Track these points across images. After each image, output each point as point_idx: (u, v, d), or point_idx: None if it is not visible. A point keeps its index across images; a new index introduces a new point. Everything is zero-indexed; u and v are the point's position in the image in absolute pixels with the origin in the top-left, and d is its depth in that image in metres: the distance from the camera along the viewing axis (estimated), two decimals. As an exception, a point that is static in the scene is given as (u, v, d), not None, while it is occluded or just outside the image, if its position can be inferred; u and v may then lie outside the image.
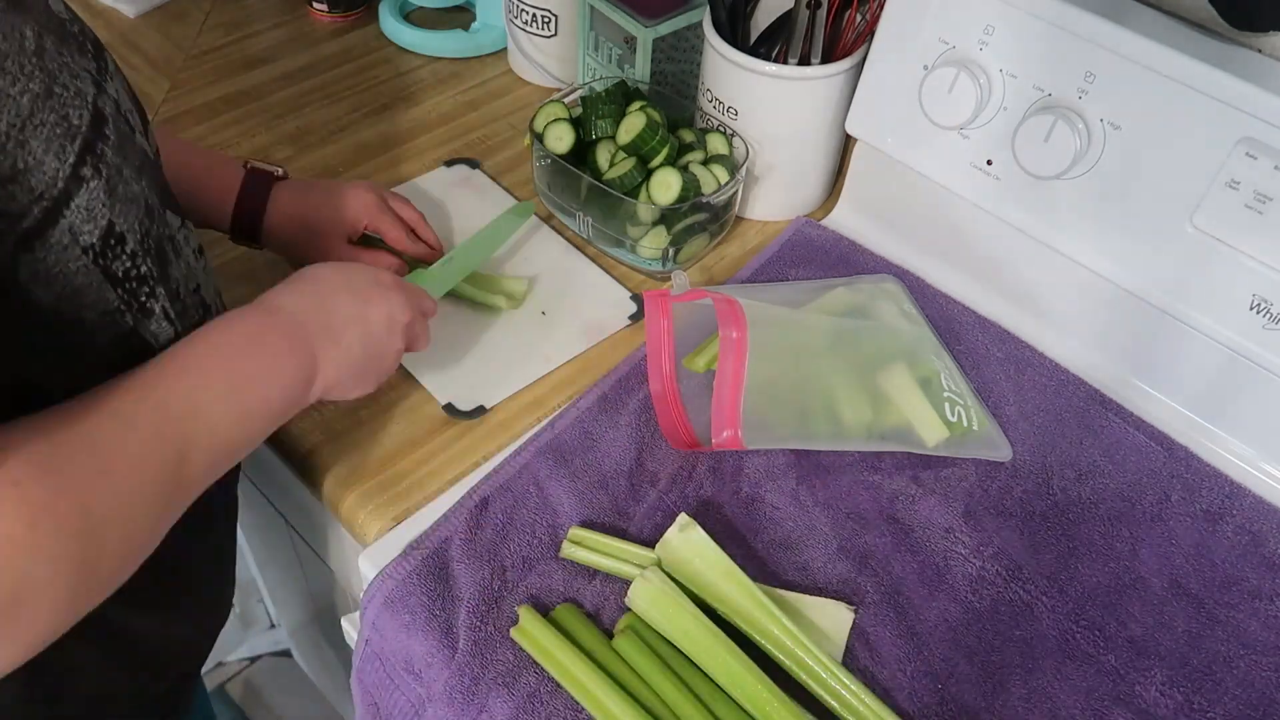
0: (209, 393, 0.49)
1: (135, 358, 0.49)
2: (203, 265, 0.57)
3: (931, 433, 0.71)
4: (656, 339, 0.73)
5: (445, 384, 0.74)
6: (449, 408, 0.73)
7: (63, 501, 0.40)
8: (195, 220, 0.69)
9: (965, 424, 0.72)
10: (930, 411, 0.71)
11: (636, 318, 0.81)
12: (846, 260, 0.87)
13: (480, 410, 0.73)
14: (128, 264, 0.48)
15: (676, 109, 0.89)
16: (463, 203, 0.89)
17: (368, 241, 0.78)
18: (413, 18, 1.10)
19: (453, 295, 0.78)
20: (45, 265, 0.43)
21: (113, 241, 0.47)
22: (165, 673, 0.64)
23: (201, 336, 0.51)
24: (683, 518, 0.62)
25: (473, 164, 0.94)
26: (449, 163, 0.94)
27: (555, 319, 0.80)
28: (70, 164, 0.44)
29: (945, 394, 0.73)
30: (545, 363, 0.77)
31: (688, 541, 0.62)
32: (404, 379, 0.74)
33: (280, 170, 0.75)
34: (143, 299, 0.49)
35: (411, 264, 0.79)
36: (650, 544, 0.64)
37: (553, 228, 0.88)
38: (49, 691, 0.54)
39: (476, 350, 0.77)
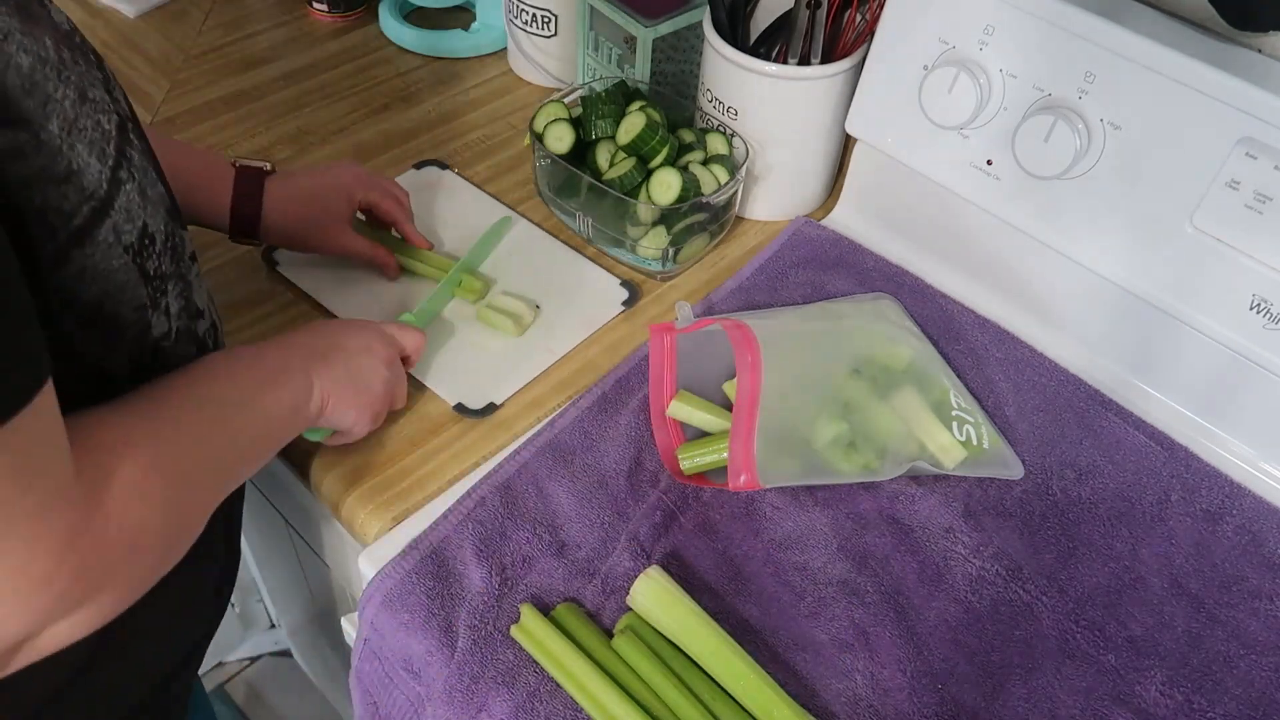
0: (241, 391, 0.55)
1: (147, 350, 0.53)
2: (195, 270, 0.59)
3: (950, 457, 0.70)
4: (658, 373, 0.73)
5: (452, 385, 0.74)
6: (460, 407, 0.73)
7: (164, 462, 0.47)
8: (191, 220, 0.72)
9: (976, 443, 0.71)
10: (947, 435, 0.71)
11: (630, 303, 0.82)
12: (846, 260, 0.87)
13: (492, 407, 0.73)
14: (156, 262, 0.52)
15: (676, 109, 0.89)
16: (435, 205, 0.89)
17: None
18: (413, 18, 1.10)
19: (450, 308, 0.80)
20: (93, 262, 0.46)
21: (147, 241, 0.51)
22: (144, 672, 0.60)
23: (208, 358, 0.56)
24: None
25: (442, 165, 0.93)
26: (418, 165, 0.93)
27: (550, 312, 0.80)
28: (110, 166, 0.47)
29: (954, 412, 0.72)
30: (549, 354, 0.77)
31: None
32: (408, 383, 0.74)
33: (269, 165, 0.76)
34: (160, 296, 0.53)
35: (403, 254, 0.82)
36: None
37: (534, 223, 0.87)
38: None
39: (477, 351, 0.77)
